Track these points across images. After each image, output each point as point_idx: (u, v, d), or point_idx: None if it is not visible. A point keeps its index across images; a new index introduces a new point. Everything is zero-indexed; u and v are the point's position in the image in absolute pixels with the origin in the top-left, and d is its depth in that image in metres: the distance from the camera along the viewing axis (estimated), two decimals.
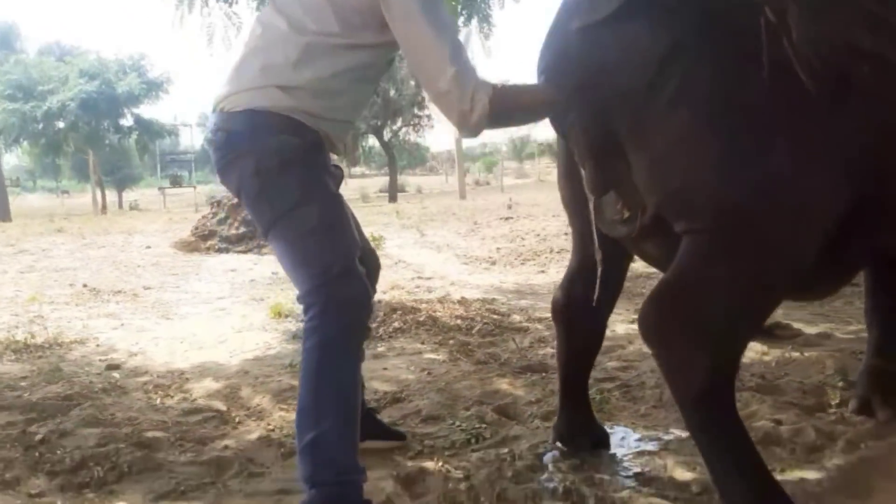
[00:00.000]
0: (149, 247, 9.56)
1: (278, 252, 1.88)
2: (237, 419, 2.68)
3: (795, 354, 3.10)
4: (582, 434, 2.21)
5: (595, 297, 1.95)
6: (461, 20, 5.83)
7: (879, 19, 1.40)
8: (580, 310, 2.09)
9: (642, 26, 1.59)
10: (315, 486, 1.75)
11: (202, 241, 9.40)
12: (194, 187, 27.05)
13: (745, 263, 1.59)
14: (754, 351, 3.17)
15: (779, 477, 1.79)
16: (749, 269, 1.59)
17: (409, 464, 2.19)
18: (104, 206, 23.80)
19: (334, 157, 2.04)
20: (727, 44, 1.54)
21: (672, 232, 1.66)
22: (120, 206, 30.13)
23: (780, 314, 3.58)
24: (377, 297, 5.01)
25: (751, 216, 1.55)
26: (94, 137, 24.39)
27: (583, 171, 1.82)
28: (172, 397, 3.00)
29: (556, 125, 1.88)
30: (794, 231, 1.56)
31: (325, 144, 1.91)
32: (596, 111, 1.69)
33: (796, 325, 3.48)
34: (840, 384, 2.62)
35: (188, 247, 9.33)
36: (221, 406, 2.84)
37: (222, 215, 9.49)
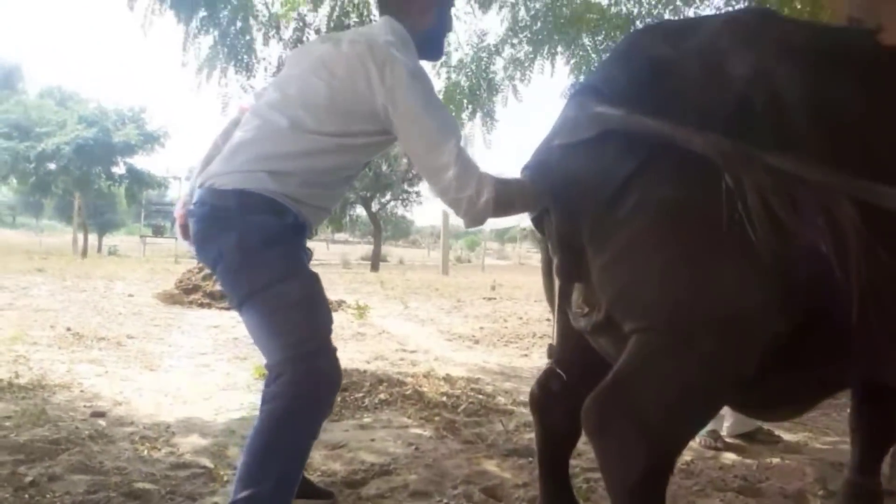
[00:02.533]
0: (131, 295, 9.52)
1: (252, 323, 1.96)
2: (225, 477, 2.68)
3: (776, 460, 3.16)
4: None
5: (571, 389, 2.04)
6: (466, 114, 6.15)
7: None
8: (556, 404, 2.15)
9: (611, 150, 1.77)
10: None
11: (185, 294, 9.38)
12: (176, 238, 26.84)
13: (680, 365, 1.69)
14: (736, 454, 3.24)
15: None
16: (684, 371, 1.69)
17: None
18: (85, 249, 23.57)
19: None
20: (685, 170, 1.68)
21: (622, 331, 1.78)
22: (99, 249, 29.87)
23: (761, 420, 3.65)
24: (362, 366, 5.07)
25: (685, 322, 1.67)
26: (84, 181, 24.37)
27: (554, 259, 1.95)
28: (160, 450, 2.99)
29: (535, 221, 2.04)
30: (725, 341, 1.67)
31: (305, 226, 2.02)
32: (567, 214, 1.87)
33: (777, 432, 3.55)
34: (820, 493, 2.69)
35: (170, 299, 9.29)
36: (209, 463, 2.84)
37: (208, 271, 9.51)
